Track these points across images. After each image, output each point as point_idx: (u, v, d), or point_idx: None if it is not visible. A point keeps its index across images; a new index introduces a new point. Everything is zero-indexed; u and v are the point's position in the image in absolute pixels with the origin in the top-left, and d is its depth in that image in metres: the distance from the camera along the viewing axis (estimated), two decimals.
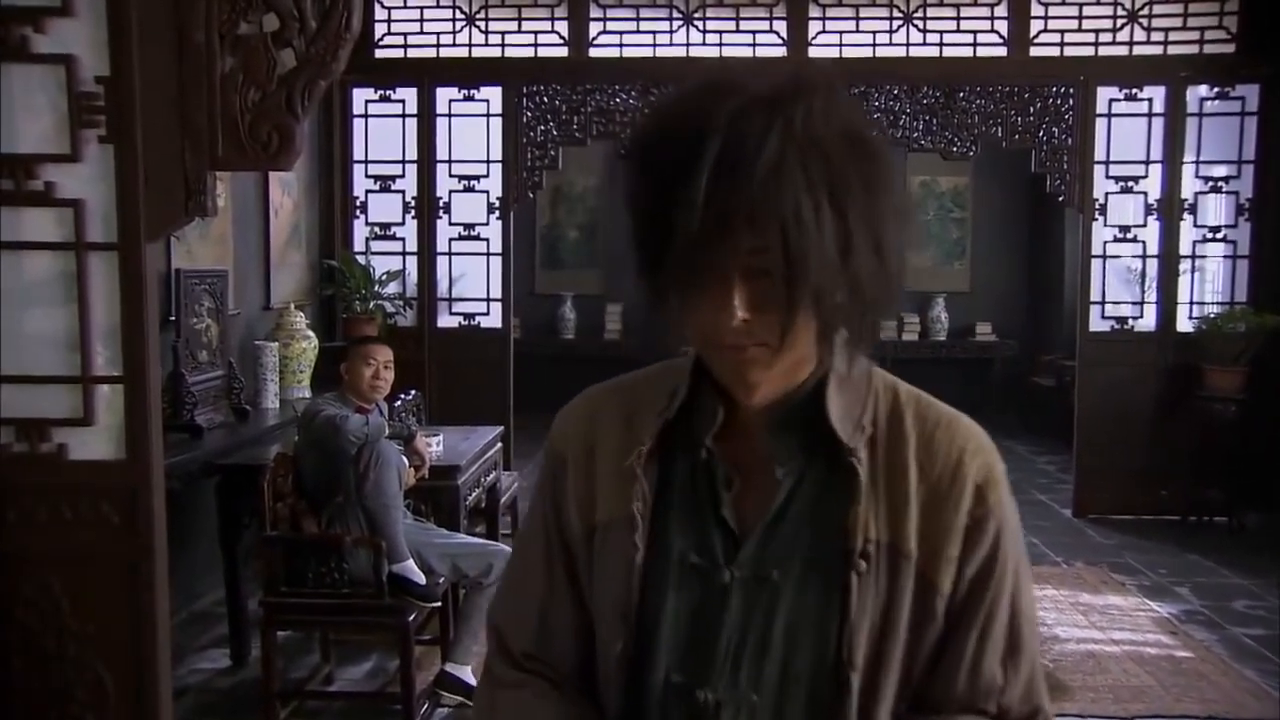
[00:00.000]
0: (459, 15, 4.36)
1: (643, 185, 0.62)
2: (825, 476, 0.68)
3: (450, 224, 4.43)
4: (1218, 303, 4.33)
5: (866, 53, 4.27)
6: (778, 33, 4.30)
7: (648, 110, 0.64)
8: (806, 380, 0.68)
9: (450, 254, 4.44)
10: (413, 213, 4.43)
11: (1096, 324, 4.33)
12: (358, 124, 4.43)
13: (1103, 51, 4.23)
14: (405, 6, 4.37)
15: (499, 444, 3.44)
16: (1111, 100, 4.24)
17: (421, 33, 4.38)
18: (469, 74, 4.35)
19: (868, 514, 0.66)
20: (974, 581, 0.67)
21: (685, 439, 0.70)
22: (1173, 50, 4.20)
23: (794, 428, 0.68)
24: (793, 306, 0.61)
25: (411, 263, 4.43)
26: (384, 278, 4.35)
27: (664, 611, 0.68)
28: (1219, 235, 4.31)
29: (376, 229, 4.45)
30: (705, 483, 0.69)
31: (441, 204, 4.41)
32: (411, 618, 2.38)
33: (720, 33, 4.32)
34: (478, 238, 4.45)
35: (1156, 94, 4.22)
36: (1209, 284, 4.41)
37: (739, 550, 0.68)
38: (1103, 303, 4.34)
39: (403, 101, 4.39)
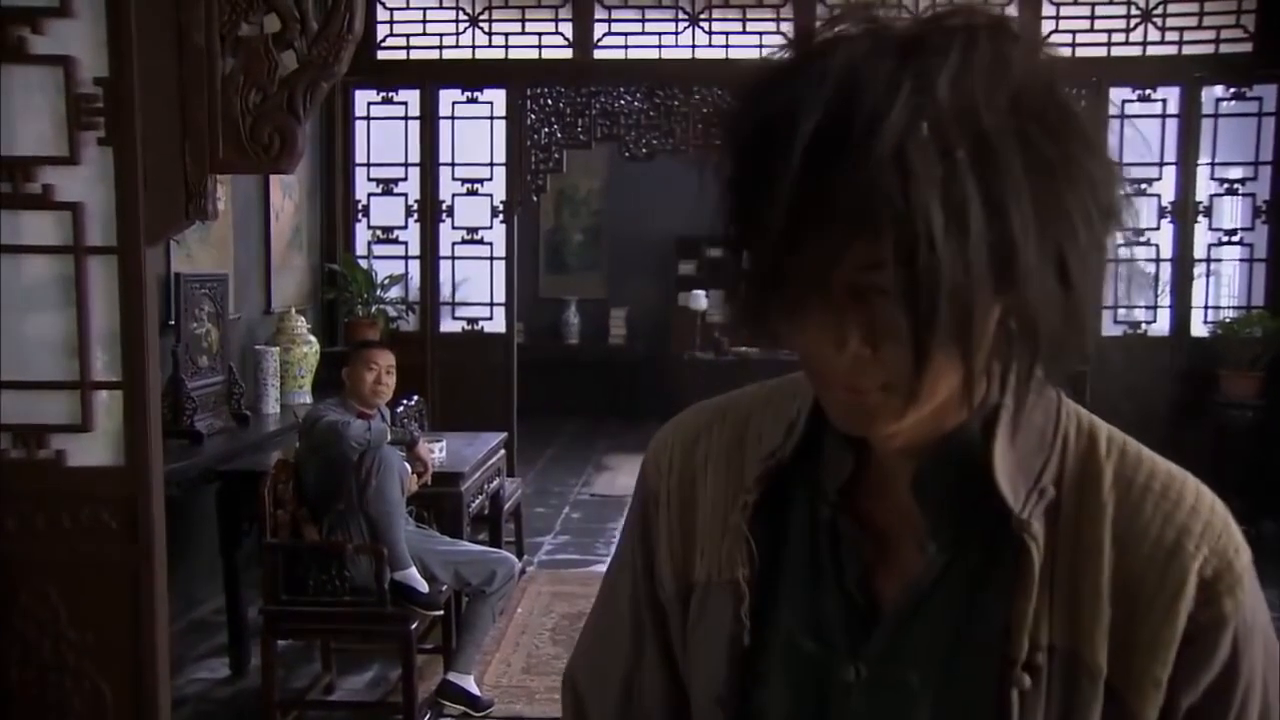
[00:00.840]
0: (462, 16, 4.34)
1: (730, 169, 0.46)
2: (987, 554, 0.50)
3: (453, 227, 4.41)
4: (1234, 307, 4.28)
5: None
6: (784, 34, 4.26)
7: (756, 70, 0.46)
8: (970, 419, 0.50)
9: (453, 258, 4.42)
10: (415, 216, 4.41)
11: (1109, 328, 4.29)
12: (360, 126, 4.42)
13: (1116, 52, 4.18)
14: (408, 7, 4.35)
15: (502, 450, 3.42)
16: (1125, 101, 4.19)
17: (424, 34, 4.36)
18: (472, 76, 4.33)
19: (1041, 610, 0.49)
20: (1194, 715, 0.50)
21: (808, 484, 0.54)
22: (1188, 50, 4.15)
23: (948, 484, 0.51)
24: (921, 344, 0.44)
25: (414, 266, 4.41)
26: (386, 282, 4.33)
27: (768, 705, 0.54)
28: (1235, 238, 4.26)
29: (379, 232, 4.43)
30: (829, 546, 0.53)
31: (444, 207, 4.39)
32: (414, 626, 2.36)
33: (726, 34, 4.29)
34: (481, 241, 4.42)
35: (1171, 95, 4.18)
36: (1225, 288, 4.36)
37: (868, 640, 0.52)
38: (1115, 307, 4.29)
39: (405, 103, 4.37)
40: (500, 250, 4.41)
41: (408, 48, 4.37)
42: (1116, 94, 4.18)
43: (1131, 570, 0.49)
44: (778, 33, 4.27)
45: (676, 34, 4.30)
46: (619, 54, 4.30)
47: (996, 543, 0.50)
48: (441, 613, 2.52)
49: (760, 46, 4.28)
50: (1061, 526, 0.50)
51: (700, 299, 6.02)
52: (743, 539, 0.54)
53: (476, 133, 4.35)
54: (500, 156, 4.34)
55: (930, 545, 0.51)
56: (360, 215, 4.45)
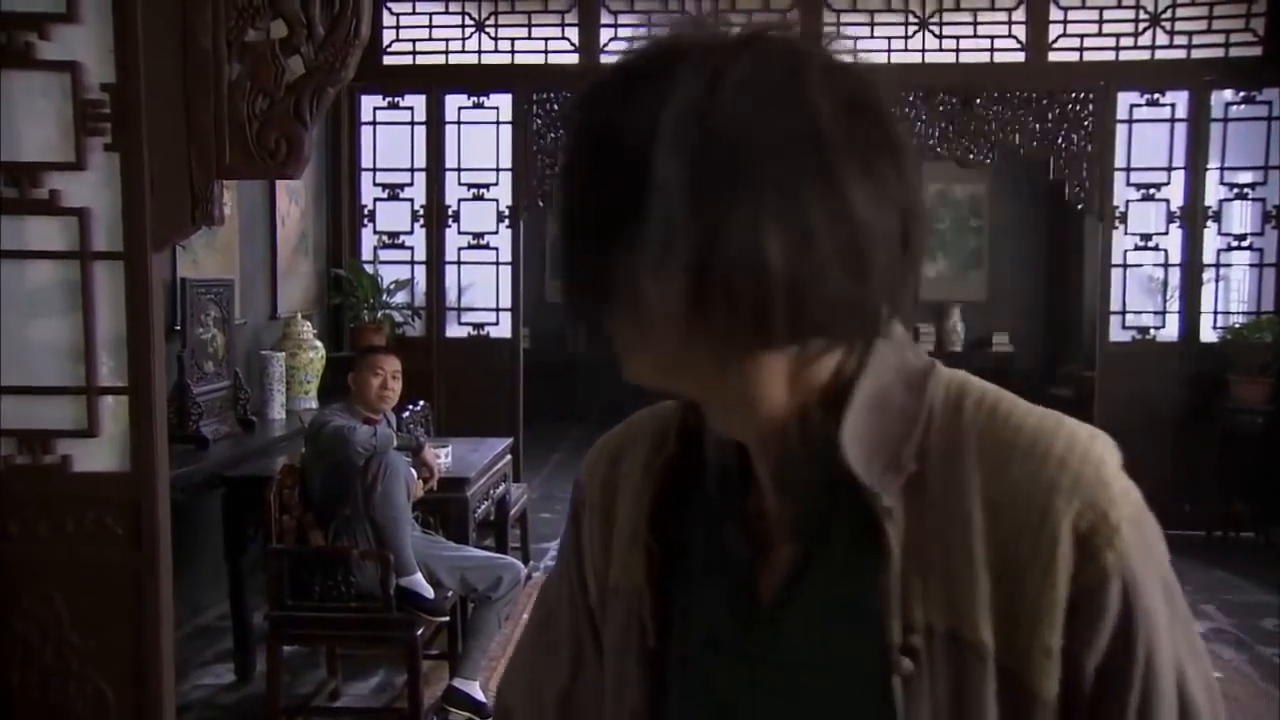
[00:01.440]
0: (468, 22, 4.35)
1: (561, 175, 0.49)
2: (854, 540, 0.48)
3: (459, 233, 4.41)
4: (1243, 312, 4.25)
5: (882, 59, 4.20)
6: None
7: None
8: (815, 404, 0.48)
9: (459, 263, 4.42)
10: (421, 221, 4.41)
11: (1117, 334, 4.26)
12: (366, 131, 4.43)
13: (1124, 56, 4.16)
14: (414, 13, 4.36)
15: (508, 455, 3.41)
16: (1133, 105, 4.17)
17: (430, 39, 4.37)
18: (478, 81, 4.33)
19: (913, 591, 0.46)
20: (1102, 678, 0.46)
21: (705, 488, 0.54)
22: (1196, 54, 4.13)
23: (808, 473, 0.49)
24: (689, 346, 0.45)
25: (420, 272, 4.41)
26: (392, 287, 4.33)
27: (669, 712, 0.52)
28: (1244, 243, 4.23)
29: (385, 238, 4.44)
30: (720, 549, 0.53)
31: (450, 212, 4.40)
32: (419, 632, 2.35)
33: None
34: (487, 246, 4.42)
35: (1179, 99, 4.15)
36: (1234, 293, 4.33)
37: (750, 642, 0.51)
38: (1123, 312, 4.26)
39: (411, 109, 4.38)
40: (506, 255, 4.41)
41: (414, 53, 4.38)
42: (1125, 98, 4.16)
43: (1004, 538, 0.46)
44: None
45: None
46: None
47: (862, 527, 0.48)
48: (447, 618, 2.52)
49: None
50: (929, 501, 0.47)
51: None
52: (642, 541, 0.53)
53: (482, 138, 4.36)
54: (506, 161, 4.35)
55: (795, 537, 0.50)
56: (366, 220, 4.46)
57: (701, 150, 0.43)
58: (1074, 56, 4.19)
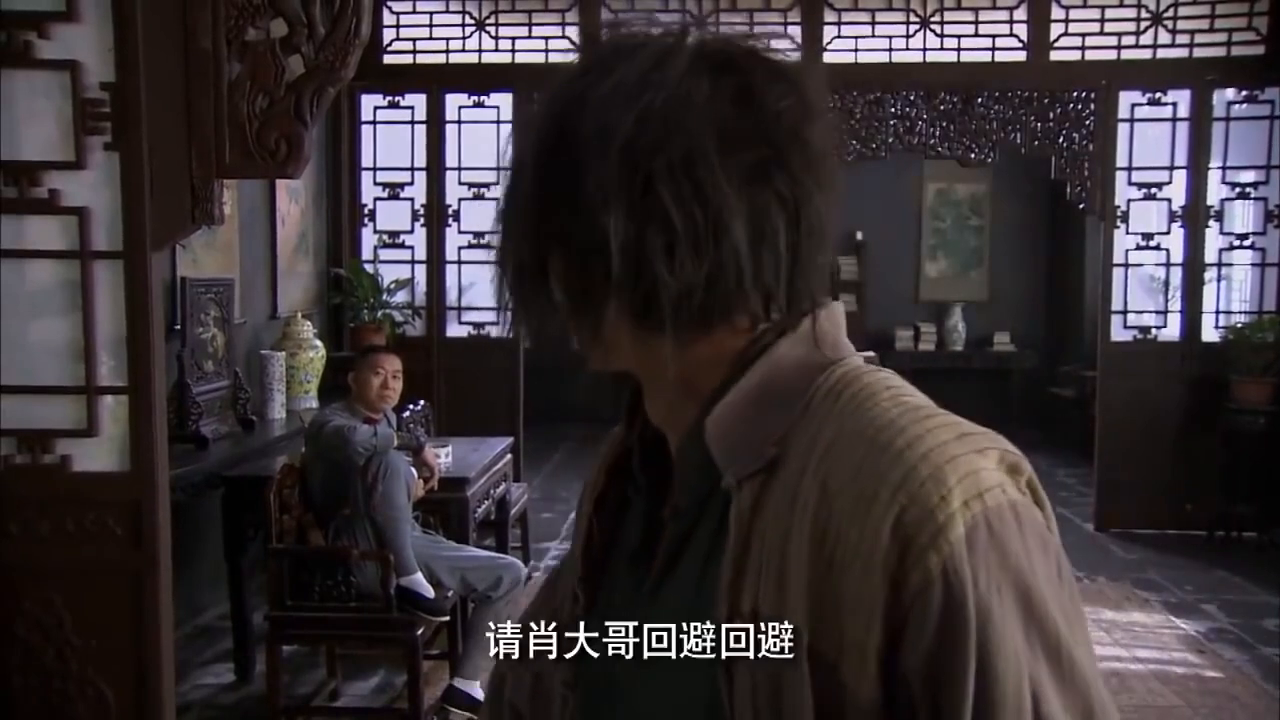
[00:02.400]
0: (468, 21, 4.35)
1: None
2: (721, 523, 0.48)
3: (460, 232, 4.40)
4: (1245, 312, 4.24)
5: (883, 58, 4.22)
6: (791, 38, 4.18)
7: None
8: (724, 385, 0.50)
9: (460, 262, 4.42)
10: (422, 221, 4.40)
11: (1118, 333, 4.25)
12: (366, 131, 4.42)
13: (1125, 55, 4.15)
14: (414, 12, 4.36)
15: (509, 455, 3.41)
16: (1134, 105, 4.16)
17: (431, 38, 4.36)
18: (479, 80, 4.33)
19: (745, 576, 0.46)
20: (928, 688, 0.43)
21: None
22: (1199, 53, 4.12)
23: (696, 456, 0.50)
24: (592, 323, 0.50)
25: (420, 271, 4.41)
26: (392, 286, 4.32)
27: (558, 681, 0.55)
28: (1246, 243, 4.22)
29: (385, 237, 4.43)
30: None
31: (451, 212, 4.39)
32: (419, 632, 2.35)
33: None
34: (488, 246, 4.41)
35: (1181, 98, 4.14)
36: (1236, 293, 4.32)
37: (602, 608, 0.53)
38: (1125, 312, 4.26)
39: (412, 108, 4.37)
40: None
41: (414, 52, 4.37)
42: (1126, 97, 4.15)
43: (831, 526, 0.44)
44: (785, 36, 4.23)
45: None
46: None
47: (725, 513, 0.48)
48: (447, 618, 2.51)
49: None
50: (779, 487, 0.47)
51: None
52: (584, 516, 0.56)
53: (483, 137, 4.35)
54: (507, 160, 4.33)
55: (675, 518, 0.51)
56: (366, 220, 4.45)
57: (558, 133, 0.48)
58: (1075, 55, 4.18)
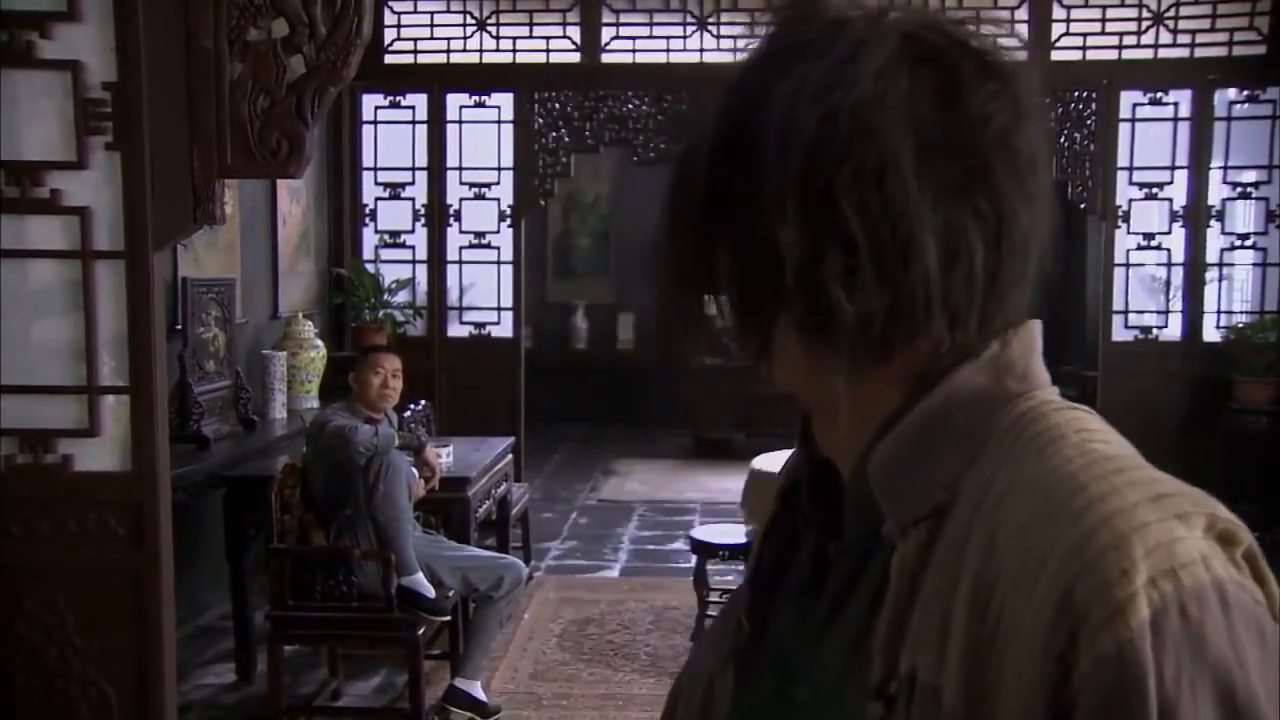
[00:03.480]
0: (470, 21, 4.34)
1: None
2: (886, 566, 0.44)
3: (461, 232, 4.40)
4: (1246, 312, 4.24)
5: None
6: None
7: None
8: (877, 427, 0.45)
9: (461, 262, 4.42)
10: (423, 220, 4.40)
11: (1119, 333, 4.25)
12: (367, 130, 4.42)
13: (1127, 54, 4.15)
14: (415, 12, 4.36)
15: (510, 455, 3.41)
16: (1136, 104, 4.16)
17: (432, 38, 4.36)
18: (480, 80, 4.33)
19: (903, 631, 0.42)
20: None
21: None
22: (1200, 53, 4.11)
23: (865, 494, 0.46)
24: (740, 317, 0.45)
25: (421, 271, 4.41)
26: (393, 286, 4.32)
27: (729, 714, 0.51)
28: (1248, 243, 4.22)
29: (386, 237, 4.43)
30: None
31: (452, 211, 4.39)
32: (421, 632, 2.35)
33: (735, 38, 4.28)
34: (489, 246, 4.42)
35: (1183, 98, 4.14)
36: (1237, 292, 4.32)
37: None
38: (1126, 312, 4.25)
39: (413, 108, 4.37)
40: (508, 255, 4.40)
41: (415, 52, 4.37)
42: (1128, 97, 4.15)
43: (996, 590, 0.39)
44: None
45: (685, 38, 4.29)
46: (627, 58, 4.29)
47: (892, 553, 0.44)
48: (449, 618, 2.51)
49: None
50: (947, 537, 0.41)
51: (709, 304, 5.99)
52: (756, 547, 0.53)
53: (484, 137, 4.35)
54: (508, 160, 4.34)
55: (844, 557, 0.47)
56: (367, 220, 4.45)
57: (733, 128, 0.43)
58: (1077, 55, 4.17)
